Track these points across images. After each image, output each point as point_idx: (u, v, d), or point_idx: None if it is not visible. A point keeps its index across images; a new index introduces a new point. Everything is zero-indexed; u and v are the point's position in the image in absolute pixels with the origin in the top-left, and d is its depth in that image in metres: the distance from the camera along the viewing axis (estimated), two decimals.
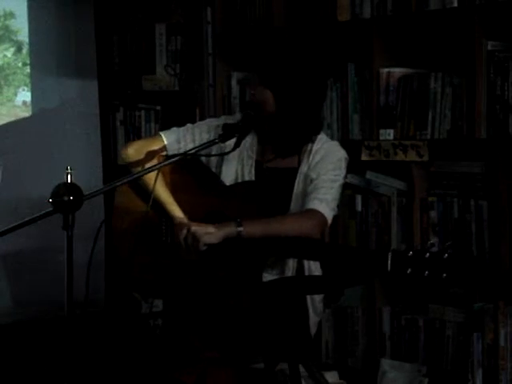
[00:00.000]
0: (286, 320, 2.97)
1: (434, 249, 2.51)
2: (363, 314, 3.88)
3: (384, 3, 3.71)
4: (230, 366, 2.82)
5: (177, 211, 2.97)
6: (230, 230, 2.80)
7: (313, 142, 3.04)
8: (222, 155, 3.01)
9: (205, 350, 2.80)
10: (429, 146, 3.59)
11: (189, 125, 3.13)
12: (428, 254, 2.50)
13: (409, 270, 2.52)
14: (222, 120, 3.12)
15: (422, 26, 3.72)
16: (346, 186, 3.59)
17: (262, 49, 3.10)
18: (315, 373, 3.12)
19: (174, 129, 3.10)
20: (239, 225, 2.79)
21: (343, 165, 3.03)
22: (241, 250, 2.83)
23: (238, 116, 3.15)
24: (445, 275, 2.48)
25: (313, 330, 3.11)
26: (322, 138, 3.06)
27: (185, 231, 2.83)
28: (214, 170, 3.11)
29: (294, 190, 3.02)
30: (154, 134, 3.19)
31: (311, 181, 2.98)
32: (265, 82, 2.96)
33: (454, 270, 2.48)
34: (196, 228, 2.81)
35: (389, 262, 2.56)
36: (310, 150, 3.03)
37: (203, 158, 3.09)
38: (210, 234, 2.80)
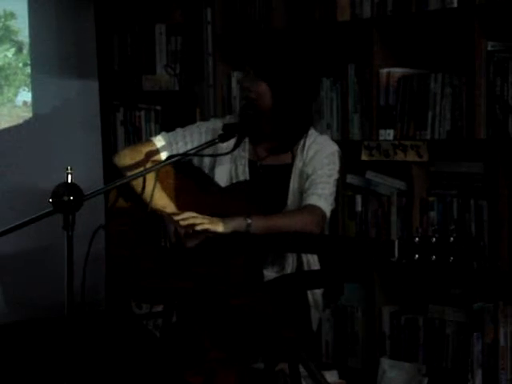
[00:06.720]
0: (290, 317, 2.97)
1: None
2: (363, 313, 3.88)
3: (384, 3, 3.71)
4: (237, 367, 2.82)
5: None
6: (239, 222, 2.79)
7: (305, 137, 3.05)
8: (220, 155, 3.00)
9: (213, 350, 2.79)
10: (429, 146, 3.60)
11: (178, 129, 3.12)
12: (434, 239, 2.51)
13: (416, 256, 2.53)
14: (212, 123, 3.14)
15: (422, 26, 3.72)
16: (345, 186, 3.59)
17: (259, 45, 3.10)
18: (315, 373, 3.12)
19: (164, 133, 3.11)
20: (248, 217, 2.79)
21: (337, 159, 3.04)
22: (242, 246, 2.83)
23: (228, 118, 3.16)
24: (452, 259, 2.49)
25: (314, 325, 3.11)
26: (312, 132, 3.07)
27: (186, 214, 2.80)
28: (206, 171, 3.11)
29: (290, 186, 3.02)
30: (145, 140, 3.22)
31: (307, 176, 2.98)
32: (261, 75, 2.96)
33: (461, 253, 2.49)
34: (202, 217, 2.79)
35: (396, 249, 2.56)
36: (303, 145, 3.04)
37: (196, 161, 3.10)
38: (216, 223, 2.78)
